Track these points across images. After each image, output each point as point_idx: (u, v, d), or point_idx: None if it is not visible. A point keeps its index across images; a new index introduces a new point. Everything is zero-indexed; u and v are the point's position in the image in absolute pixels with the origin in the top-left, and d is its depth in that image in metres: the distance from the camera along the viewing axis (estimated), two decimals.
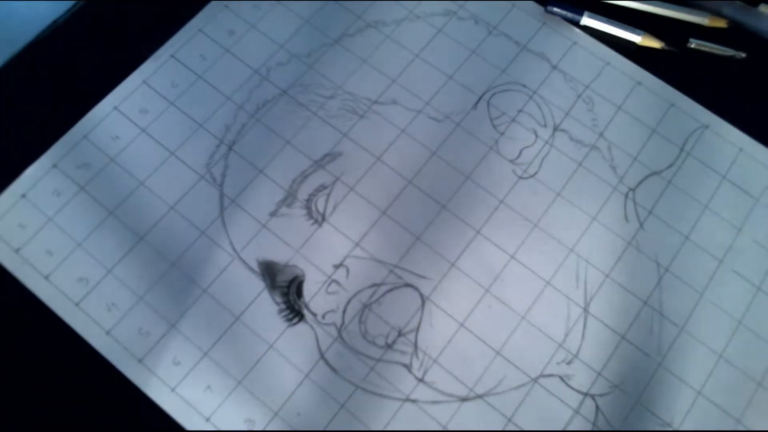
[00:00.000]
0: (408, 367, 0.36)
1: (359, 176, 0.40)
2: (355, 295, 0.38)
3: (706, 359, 0.37)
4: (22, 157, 0.40)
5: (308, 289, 0.38)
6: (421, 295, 0.38)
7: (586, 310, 0.38)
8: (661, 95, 0.43)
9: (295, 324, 0.37)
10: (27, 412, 0.36)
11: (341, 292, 0.38)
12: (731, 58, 0.44)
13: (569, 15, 0.44)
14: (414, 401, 0.36)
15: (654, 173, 0.41)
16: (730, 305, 0.38)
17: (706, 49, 0.44)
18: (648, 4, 0.45)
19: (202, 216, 0.39)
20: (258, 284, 0.38)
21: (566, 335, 0.37)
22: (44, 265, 0.38)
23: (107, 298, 0.37)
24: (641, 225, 0.40)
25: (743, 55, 0.43)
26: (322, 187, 0.40)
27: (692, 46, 0.44)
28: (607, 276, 0.38)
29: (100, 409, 0.36)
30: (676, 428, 0.36)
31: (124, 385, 0.36)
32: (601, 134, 0.42)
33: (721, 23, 0.44)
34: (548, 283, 0.38)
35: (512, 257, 0.39)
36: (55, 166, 0.40)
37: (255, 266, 0.38)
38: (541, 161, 0.41)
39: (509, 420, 0.35)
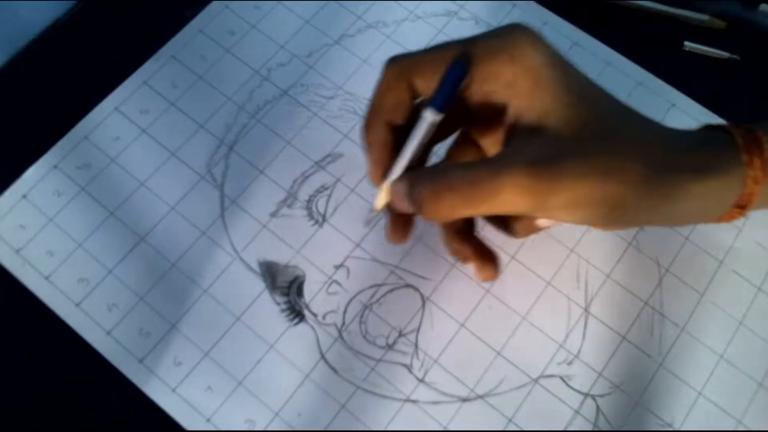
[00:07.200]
0: (408, 368, 0.36)
1: (360, 177, 0.40)
2: (355, 295, 0.38)
3: (707, 359, 0.37)
4: (22, 158, 0.40)
5: (309, 290, 0.38)
6: (422, 296, 0.38)
7: (586, 310, 0.38)
8: (661, 95, 0.43)
9: (295, 324, 0.37)
10: (27, 413, 0.36)
11: (342, 293, 0.38)
12: (726, 60, 0.44)
13: None
14: (414, 402, 0.36)
15: None
16: (730, 305, 0.38)
17: (701, 53, 0.44)
18: (648, 3, 0.45)
19: (203, 216, 0.39)
20: (258, 285, 0.38)
21: (567, 336, 0.37)
22: (45, 266, 0.38)
23: (108, 299, 0.37)
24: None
25: (737, 57, 0.43)
26: (323, 188, 0.40)
27: (686, 49, 0.44)
28: (607, 276, 0.38)
29: (100, 410, 0.36)
30: (676, 428, 0.36)
31: (125, 386, 0.36)
32: None
33: (720, 23, 0.44)
34: (549, 283, 0.38)
35: (513, 257, 0.39)
36: (55, 166, 0.40)
37: (255, 267, 0.38)
38: None
39: (510, 420, 0.35)
